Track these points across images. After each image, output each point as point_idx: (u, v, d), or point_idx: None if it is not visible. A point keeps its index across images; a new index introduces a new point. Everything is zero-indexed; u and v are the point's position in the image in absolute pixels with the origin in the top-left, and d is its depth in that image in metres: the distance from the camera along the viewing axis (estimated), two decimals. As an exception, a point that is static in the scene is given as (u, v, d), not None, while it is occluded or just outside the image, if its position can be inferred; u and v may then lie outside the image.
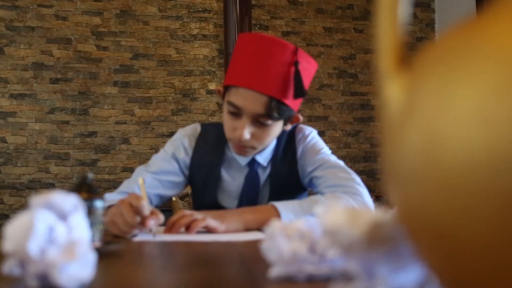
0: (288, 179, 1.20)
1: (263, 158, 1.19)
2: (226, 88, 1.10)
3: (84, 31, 3.50)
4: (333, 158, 1.17)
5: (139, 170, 1.19)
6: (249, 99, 1.03)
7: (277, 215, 0.98)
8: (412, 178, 0.25)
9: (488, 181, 0.21)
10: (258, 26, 3.69)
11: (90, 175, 0.66)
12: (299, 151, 1.20)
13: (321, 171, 1.14)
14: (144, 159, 3.45)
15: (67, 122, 3.43)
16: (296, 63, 1.04)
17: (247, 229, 0.97)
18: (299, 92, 1.04)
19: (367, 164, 3.74)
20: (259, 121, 1.06)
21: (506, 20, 0.23)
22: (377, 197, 3.32)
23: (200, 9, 3.67)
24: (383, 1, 0.30)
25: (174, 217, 0.92)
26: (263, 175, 1.21)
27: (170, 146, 1.23)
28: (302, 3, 3.79)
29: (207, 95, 3.61)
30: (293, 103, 1.09)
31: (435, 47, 0.27)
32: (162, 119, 3.54)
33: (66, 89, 3.44)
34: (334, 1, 3.83)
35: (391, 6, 0.30)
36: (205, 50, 3.64)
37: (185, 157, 1.21)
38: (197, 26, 3.65)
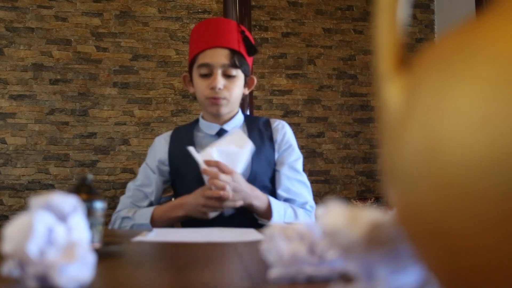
0: (264, 152, 1.32)
1: (231, 127, 1.34)
2: (191, 63, 1.31)
3: (84, 32, 3.50)
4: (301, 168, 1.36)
5: (129, 186, 1.37)
6: (215, 55, 1.26)
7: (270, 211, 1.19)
8: (411, 179, 0.26)
9: (487, 183, 0.21)
10: (257, 27, 3.69)
11: (90, 176, 0.66)
12: (279, 136, 1.35)
13: (290, 175, 1.31)
14: (143, 160, 3.44)
15: (66, 123, 3.43)
16: (242, 32, 1.29)
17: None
18: (251, 50, 1.29)
19: (367, 165, 3.74)
20: (227, 74, 1.26)
21: (506, 22, 0.23)
22: (377, 198, 3.32)
23: (199, 10, 3.67)
24: (383, 2, 0.30)
25: (218, 177, 1.10)
26: None
27: (148, 155, 1.42)
28: (301, 4, 3.79)
29: (207, 96, 3.61)
30: (249, 62, 1.32)
31: (434, 49, 0.27)
32: (162, 120, 3.54)
33: (65, 90, 3.44)
34: (334, 2, 3.83)
35: (391, 7, 0.30)
36: (204, 51, 3.63)
37: (162, 155, 1.37)
38: (196, 27, 3.65)
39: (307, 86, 3.73)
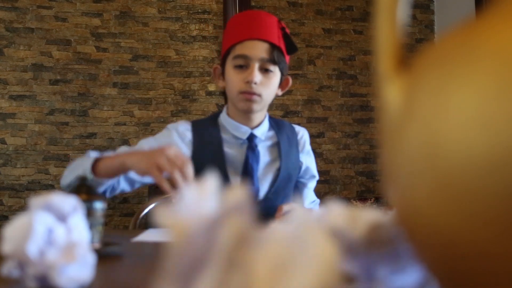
0: (292, 159, 1.30)
1: (260, 132, 1.28)
2: (226, 53, 1.22)
3: (84, 32, 3.50)
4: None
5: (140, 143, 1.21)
6: (255, 47, 1.17)
7: None
8: (411, 180, 0.25)
9: (487, 183, 0.21)
10: (257, 27, 3.69)
11: (90, 177, 0.66)
12: (305, 147, 1.34)
13: (312, 185, 1.35)
14: (143, 160, 3.44)
15: (66, 123, 3.43)
16: (282, 28, 1.22)
17: None
18: (292, 48, 1.22)
19: (367, 165, 3.74)
20: (264, 67, 1.18)
21: (506, 22, 0.23)
22: (377, 199, 3.32)
23: (199, 11, 3.67)
24: (383, 3, 0.30)
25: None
26: (265, 147, 1.28)
27: (164, 133, 1.24)
28: (301, 4, 3.79)
29: (207, 96, 3.61)
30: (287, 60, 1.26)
31: (434, 49, 0.27)
32: (162, 120, 3.54)
33: (65, 90, 3.44)
34: (334, 3, 3.83)
35: (390, 8, 0.30)
36: (204, 51, 3.64)
37: (183, 146, 1.22)
38: (196, 28, 3.65)
39: (307, 86, 3.73)
